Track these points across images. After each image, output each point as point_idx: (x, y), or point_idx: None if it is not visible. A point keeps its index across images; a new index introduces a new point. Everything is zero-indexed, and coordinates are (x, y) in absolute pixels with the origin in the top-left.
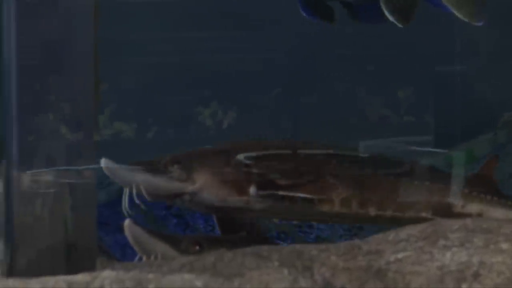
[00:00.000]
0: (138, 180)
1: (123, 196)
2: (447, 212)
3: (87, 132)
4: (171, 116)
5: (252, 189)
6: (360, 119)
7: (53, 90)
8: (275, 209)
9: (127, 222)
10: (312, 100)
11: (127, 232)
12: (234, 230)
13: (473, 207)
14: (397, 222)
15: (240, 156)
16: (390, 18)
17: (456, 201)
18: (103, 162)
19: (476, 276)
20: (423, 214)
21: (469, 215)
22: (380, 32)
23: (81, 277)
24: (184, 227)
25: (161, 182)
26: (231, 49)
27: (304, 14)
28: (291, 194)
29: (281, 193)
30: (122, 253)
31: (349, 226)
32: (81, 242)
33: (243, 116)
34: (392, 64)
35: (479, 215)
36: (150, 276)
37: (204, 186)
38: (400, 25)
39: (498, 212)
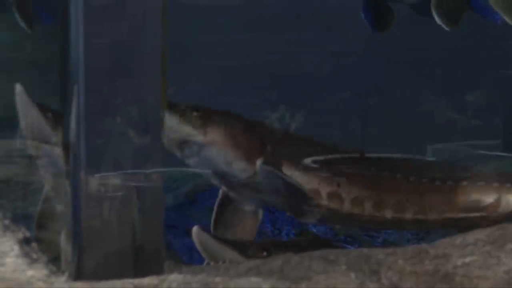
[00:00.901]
0: None
1: None
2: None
3: (155, 135)
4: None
5: (259, 162)
6: (428, 122)
7: (121, 93)
8: (273, 195)
9: (195, 229)
10: (380, 103)
11: (195, 239)
12: None
13: None
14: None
15: (259, 129)
16: (438, 21)
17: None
18: None
19: None
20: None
21: None
22: (446, 35)
23: (148, 280)
24: None
25: (174, 123)
26: (299, 51)
27: (364, 16)
28: (293, 182)
29: (285, 176)
30: (189, 257)
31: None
32: (149, 245)
33: (311, 119)
34: (460, 67)
35: None
36: (217, 279)
37: (215, 140)
38: (447, 28)
39: None
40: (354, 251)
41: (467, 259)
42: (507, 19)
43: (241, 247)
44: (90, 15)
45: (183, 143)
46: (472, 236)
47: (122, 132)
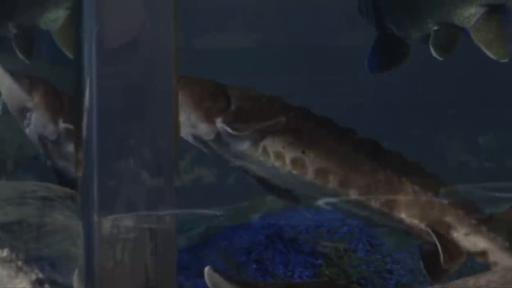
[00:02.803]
0: None
1: None
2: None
3: (168, 176)
4: None
5: (219, 120)
6: (440, 163)
7: (134, 134)
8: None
9: (207, 269)
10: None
11: (207, 279)
12: None
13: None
14: None
15: (228, 91)
16: (433, 53)
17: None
18: None
19: None
20: None
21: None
22: (459, 77)
23: None
24: (263, 273)
25: None
26: (310, 93)
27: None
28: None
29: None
30: None
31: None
32: (162, 287)
33: None
34: (472, 108)
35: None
36: None
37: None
38: (440, 58)
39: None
40: None
41: None
42: (488, 52)
43: (254, 287)
44: (103, 57)
45: None
46: (485, 278)
47: (134, 173)
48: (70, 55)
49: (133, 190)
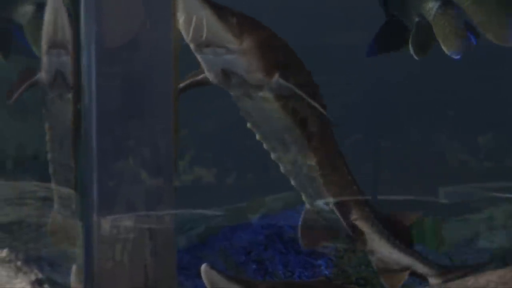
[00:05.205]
0: None
1: None
2: None
3: (167, 176)
4: (252, 160)
5: (277, 75)
6: (440, 164)
7: (133, 135)
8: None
9: (203, 267)
10: (392, 145)
11: (204, 277)
12: None
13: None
14: None
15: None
16: (411, 52)
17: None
18: None
19: None
20: None
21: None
22: (459, 78)
23: None
24: (263, 273)
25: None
26: None
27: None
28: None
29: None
30: None
31: None
32: (161, 286)
33: None
34: (472, 109)
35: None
36: None
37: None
38: (416, 57)
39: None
40: None
41: None
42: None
43: (251, 286)
44: (102, 57)
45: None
46: (484, 277)
47: (134, 173)
48: (36, 51)
49: (132, 190)
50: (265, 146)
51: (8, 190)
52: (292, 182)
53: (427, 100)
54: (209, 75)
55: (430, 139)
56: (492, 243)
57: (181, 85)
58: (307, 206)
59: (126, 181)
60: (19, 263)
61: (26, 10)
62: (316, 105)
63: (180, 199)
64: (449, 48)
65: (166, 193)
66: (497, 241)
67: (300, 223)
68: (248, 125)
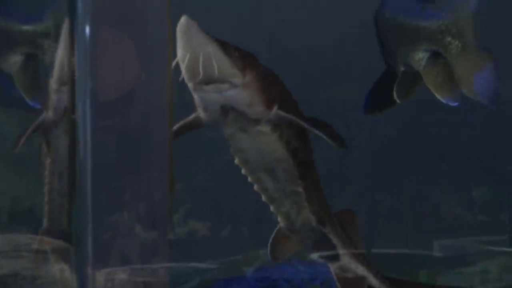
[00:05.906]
0: None
1: None
2: None
3: (161, 230)
4: (246, 213)
5: (276, 107)
6: (435, 217)
7: (128, 188)
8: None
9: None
10: (387, 198)
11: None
12: None
13: None
14: None
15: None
16: (395, 96)
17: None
18: None
19: None
20: None
21: None
22: (453, 131)
23: None
24: None
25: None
26: None
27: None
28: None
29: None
30: None
31: None
32: None
33: None
34: (466, 163)
35: None
36: None
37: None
38: (399, 102)
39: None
40: None
41: None
42: (436, 94)
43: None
44: (97, 112)
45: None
46: None
47: (129, 226)
48: (28, 98)
49: (127, 243)
50: (249, 179)
51: (3, 242)
52: (272, 208)
53: (422, 153)
54: (203, 114)
55: (425, 193)
56: None
57: (175, 127)
58: (281, 225)
59: (121, 234)
60: None
61: (16, 60)
62: (316, 131)
63: (175, 252)
64: (444, 97)
65: (161, 246)
66: None
67: (270, 240)
68: (236, 161)
